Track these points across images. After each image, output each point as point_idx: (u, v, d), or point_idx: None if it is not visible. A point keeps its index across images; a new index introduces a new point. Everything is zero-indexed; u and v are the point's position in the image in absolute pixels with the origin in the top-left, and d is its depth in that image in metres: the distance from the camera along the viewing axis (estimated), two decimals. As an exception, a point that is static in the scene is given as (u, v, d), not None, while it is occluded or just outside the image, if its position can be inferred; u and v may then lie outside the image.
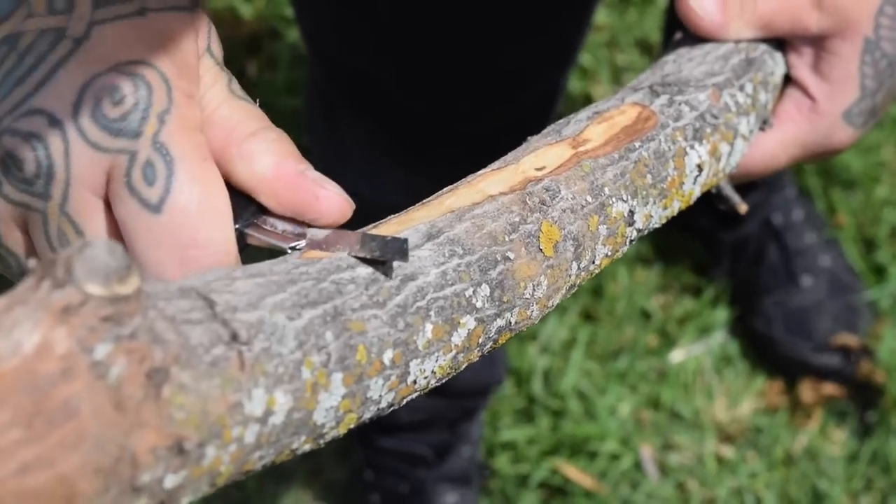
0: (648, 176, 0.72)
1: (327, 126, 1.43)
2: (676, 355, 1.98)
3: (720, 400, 1.94)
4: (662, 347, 1.99)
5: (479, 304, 0.61)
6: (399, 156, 1.35)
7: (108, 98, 0.57)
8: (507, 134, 1.34)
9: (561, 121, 0.74)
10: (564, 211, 0.67)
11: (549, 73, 1.32)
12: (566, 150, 0.71)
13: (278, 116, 2.16)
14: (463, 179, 0.67)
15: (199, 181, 0.58)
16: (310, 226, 0.61)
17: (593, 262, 0.69)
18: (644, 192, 0.72)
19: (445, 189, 0.66)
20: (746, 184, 1.93)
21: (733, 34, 0.82)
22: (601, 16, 2.22)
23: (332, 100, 1.40)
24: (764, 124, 0.84)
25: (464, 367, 0.63)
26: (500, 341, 0.64)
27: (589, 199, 0.68)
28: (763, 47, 0.84)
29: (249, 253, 0.61)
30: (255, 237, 0.62)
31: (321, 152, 1.46)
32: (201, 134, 0.60)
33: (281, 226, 0.62)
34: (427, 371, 0.59)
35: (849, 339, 1.92)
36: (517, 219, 0.65)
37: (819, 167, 2.08)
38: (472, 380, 1.76)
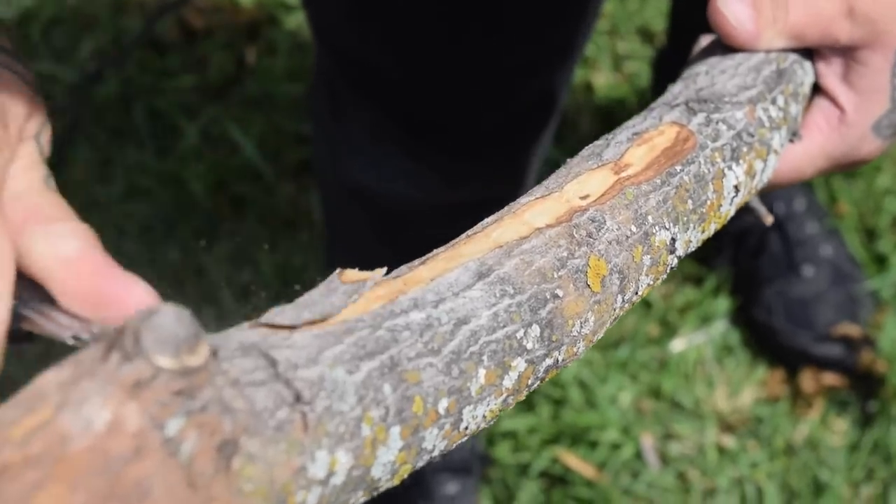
0: (690, 201, 0.71)
1: (333, 114, 1.43)
2: (677, 345, 1.98)
3: (721, 389, 1.94)
4: (663, 337, 1.98)
5: (529, 346, 0.60)
6: (404, 144, 1.35)
7: None
8: (511, 125, 1.35)
9: (599, 141, 0.72)
10: (611, 243, 0.65)
11: (553, 68, 1.31)
12: (608, 175, 0.69)
13: (277, 103, 2.16)
14: (507, 207, 0.66)
15: None
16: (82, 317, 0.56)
17: (636, 294, 0.68)
18: (685, 219, 0.70)
19: (490, 219, 0.65)
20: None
21: (765, 44, 0.82)
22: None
23: (338, 88, 1.40)
24: (794, 136, 0.83)
25: (511, 408, 0.62)
26: (545, 379, 0.63)
27: (633, 228, 0.67)
28: (793, 57, 0.83)
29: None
30: (35, 322, 0.56)
31: (326, 140, 1.46)
32: None
33: (62, 318, 0.56)
34: (479, 416, 0.58)
35: (850, 329, 1.92)
36: (565, 253, 0.63)
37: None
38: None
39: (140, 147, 2.12)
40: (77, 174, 2.10)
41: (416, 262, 0.61)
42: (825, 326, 1.93)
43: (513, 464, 1.89)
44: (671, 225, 0.69)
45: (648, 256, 0.67)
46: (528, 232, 0.64)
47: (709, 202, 0.72)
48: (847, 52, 0.82)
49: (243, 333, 0.51)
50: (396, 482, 0.55)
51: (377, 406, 0.53)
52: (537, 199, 0.67)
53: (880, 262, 2.02)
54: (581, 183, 0.68)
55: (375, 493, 0.55)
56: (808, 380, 1.93)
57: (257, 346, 0.50)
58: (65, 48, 2.22)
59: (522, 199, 0.67)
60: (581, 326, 0.63)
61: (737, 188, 0.74)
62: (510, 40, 1.22)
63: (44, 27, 2.24)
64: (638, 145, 0.72)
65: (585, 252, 0.64)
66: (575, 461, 1.87)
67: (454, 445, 0.59)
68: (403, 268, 0.60)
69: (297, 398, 0.49)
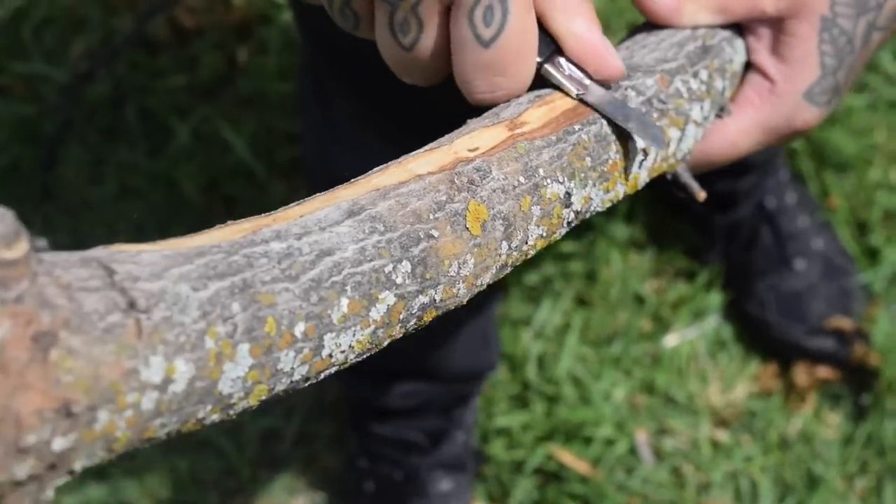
0: (588, 158, 0.73)
1: (318, 104, 1.43)
2: (670, 340, 1.98)
3: (714, 384, 1.94)
4: (656, 332, 1.99)
5: (398, 280, 0.62)
6: (389, 133, 1.35)
7: None
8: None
9: (502, 104, 0.75)
10: (495, 191, 0.67)
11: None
12: (502, 131, 0.72)
13: (269, 102, 2.16)
14: (395, 160, 0.69)
15: (522, 31, 0.71)
16: (591, 78, 0.75)
17: (526, 243, 0.70)
18: (583, 175, 0.72)
19: (376, 169, 0.67)
20: (740, 168, 1.93)
21: (689, 19, 0.83)
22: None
23: (323, 77, 1.40)
24: (721, 111, 0.84)
25: (386, 342, 0.63)
26: (425, 318, 0.65)
27: (522, 179, 0.69)
28: (722, 34, 0.84)
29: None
30: (549, 72, 0.74)
31: (313, 131, 1.46)
32: None
33: (570, 70, 0.75)
34: (343, 345, 0.60)
35: (843, 323, 1.92)
36: (443, 197, 0.65)
37: (811, 150, 2.08)
38: (465, 365, 1.75)
39: (132, 147, 2.12)
40: (69, 174, 2.10)
41: (294, 203, 0.64)
42: (818, 320, 1.93)
43: (507, 461, 1.90)
44: (566, 179, 0.71)
45: (538, 207, 0.70)
46: (409, 178, 0.66)
47: (611, 161, 0.74)
48: (775, 24, 0.83)
49: (93, 250, 0.54)
50: (253, 402, 0.57)
51: (224, 322, 0.54)
52: (426, 151, 0.69)
53: (872, 255, 2.02)
54: (473, 138, 0.71)
55: (232, 413, 0.57)
56: (801, 373, 1.93)
57: (98, 258, 0.52)
58: (56, 48, 2.22)
59: (413, 153, 0.69)
60: (459, 268, 0.65)
61: (645, 151, 0.77)
62: None
63: (35, 27, 2.24)
64: (538, 106, 0.74)
65: (465, 197, 0.66)
66: (569, 457, 1.88)
67: (321, 375, 0.60)
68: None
69: (132, 305, 0.51)
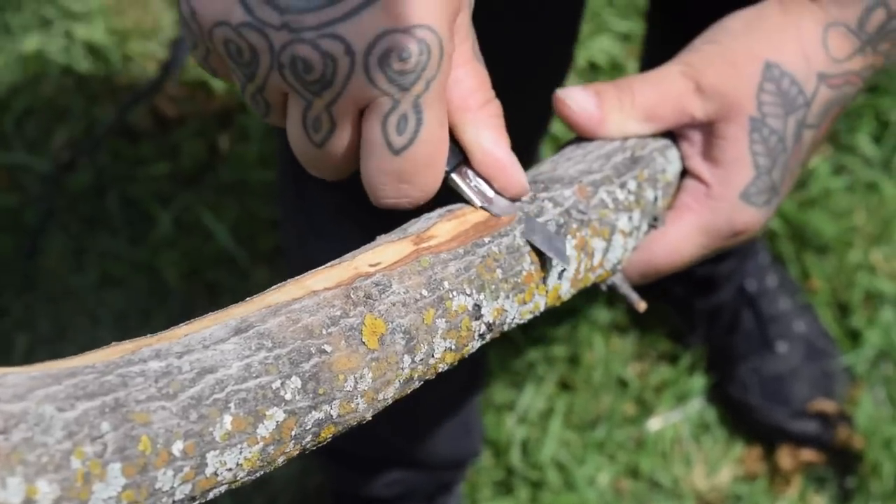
0: (498, 270, 0.72)
1: (298, 199, 1.44)
2: (654, 423, 1.97)
3: (699, 468, 1.94)
4: (640, 415, 1.98)
5: (288, 397, 0.61)
6: (367, 224, 1.35)
7: (398, 54, 0.67)
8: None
9: (412, 220, 0.75)
10: (395, 304, 0.67)
11: (520, 139, 1.31)
12: (407, 246, 0.72)
13: (251, 189, 2.16)
14: (293, 278, 0.68)
15: (434, 142, 0.71)
16: (496, 191, 0.76)
17: (432, 356, 0.69)
18: (493, 286, 0.72)
19: (273, 287, 0.67)
20: (719, 253, 1.94)
21: (615, 129, 0.83)
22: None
23: (301, 173, 1.40)
24: (655, 221, 0.83)
25: (281, 460, 0.62)
26: (323, 434, 0.64)
27: (425, 292, 0.69)
28: (653, 145, 0.84)
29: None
30: (456, 182, 0.75)
31: (292, 219, 1.46)
32: (445, 99, 0.71)
33: (476, 181, 0.76)
34: (229, 463, 0.59)
35: (826, 405, 1.92)
36: (338, 312, 0.65)
37: (791, 232, 2.09)
38: (448, 452, 1.75)
39: (114, 235, 2.12)
40: (51, 263, 2.10)
41: (183, 323, 0.63)
42: (801, 402, 1.93)
43: (492, 547, 1.88)
44: (473, 291, 0.71)
45: (444, 320, 0.69)
46: (304, 294, 0.65)
47: (525, 272, 0.74)
48: (705, 129, 0.84)
49: None
50: None
51: (92, 442, 0.53)
52: (326, 267, 0.69)
53: (854, 337, 2.02)
54: (376, 253, 0.71)
55: None
56: (785, 456, 1.92)
57: None
58: (38, 138, 2.23)
59: (313, 270, 0.69)
60: (356, 382, 0.64)
61: None
62: None
63: (17, 118, 2.24)
64: (447, 220, 0.74)
65: (361, 311, 0.65)
66: (554, 543, 1.87)
67: (208, 492, 0.59)
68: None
69: None
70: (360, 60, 0.67)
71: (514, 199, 0.76)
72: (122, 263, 2.09)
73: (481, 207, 0.75)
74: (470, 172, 0.75)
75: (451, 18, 0.69)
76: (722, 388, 1.99)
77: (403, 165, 0.71)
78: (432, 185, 0.73)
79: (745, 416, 1.96)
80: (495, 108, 0.76)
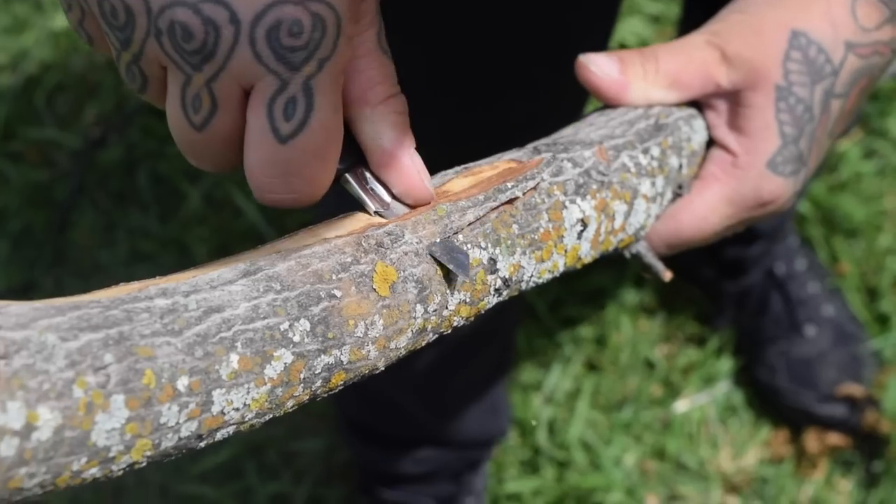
0: (515, 226, 0.71)
1: None
2: (681, 405, 1.97)
3: (725, 450, 1.94)
4: (667, 397, 1.98)
5: (296, 339, 0.60)
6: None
7: (288, 27, 0.62)
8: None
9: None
10: (407, 254, 0.66)
11: (556, 122, 1.31)
12: None
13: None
14: (307, 227, 0.67)
15: (325, 131, 0.65)
16: (394, 197, 0.69)
17: (446, 307, 0.68)
18: (509, 242, 0.70)
19: (285, 235, 0.66)
20: (749, 235, 1.92)
21: (638, 96, 0.83)
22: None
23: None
24: (680, 189, 0.83)
25: (290, 404, 0.61)
26: (334, 380, 0.63)
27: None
28: (678, 113, 0.83)
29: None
30: (349, 182, 0.69)
31: (325, 199, 1.46)
32: (341, 84, 0.66)
33: (373, 184, 0.69)
34: (237, 402, 0.58)
35: (853, 389, 1.92)
36: (349, 259, 0.64)
37: (821, 216, 2.08)
38: (477, 431, 1.75)
39: (143, 211, 2.13)
40: (81, 238, 2.11)
41: (193, 267, 0.62)
42: (829, 386, 1.93)
43: (517, 526, 1.89)
44: (489, 245, 0.69)
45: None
46: (314, 241, 0.65)
47: (542, 230, 0.72)
48: (731, 97, 0.83)
49: None
50: (136, 457, 0.55)
51: (95, 372, 0.53)
52: (339, 217, 0.68)
53: (882, 321, 2.02)
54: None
55: (115, 469, 0.55)
56: (812, 440, 1.92)
57: None
58: (69, 115, 2.23)
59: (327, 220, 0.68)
60: (367, 329, 0.63)
61: (583, 222, 0.74)
62: (515, 99, 1.22)
63: (48, 94, 2.25)
64: (464, 176, 0.73)
65: (373, 259, 0.65)
66: (579, 523, 1.87)
67: (217, 433, 0.59)
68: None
69: None
70: (246, 31, 0.61)
71: (412, 206, 0.70)
72: (151, 239, 2.10)
73: (375, 213, 0.69)
74: (367, 174, 0.70)
75: None
76: (749, 370, 1.99)
77: (290, 155, 0.65)
78: (323, 180, 0.67)
79: (772, 400, 1.96)
80: (399, 105, 0.70)
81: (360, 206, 0.69)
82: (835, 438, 1.92)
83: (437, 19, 1.14)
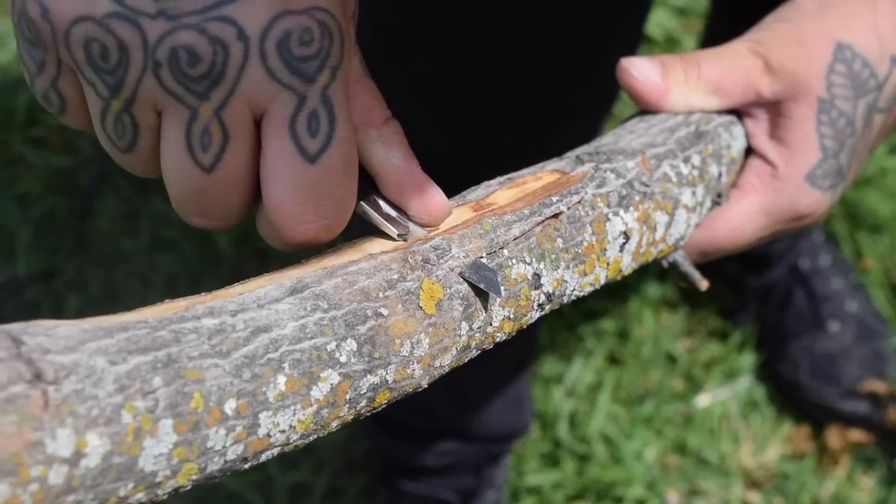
0: (559, 240, 0.70)
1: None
2: (702, 400, 1.97)
3: (747, 445, 1.93)
4: (688, 392, 1.98)
5: (343, 359, 0.60)
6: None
7: (298, 37, 0.59)
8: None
9: (472, 188, 0.72)
10: (453, 270, 0.65)
11: (587, 117, 1.31)
12: (466, 212, 0.69)
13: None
14: (350, 241, 0.66)
15: (349, 143, 0.62)
16: (409, 218, 0.67)
17: (490, 324, 0.67)
18: (553, 256, 0.69)
19: (329, 250, 0.65)
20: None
21: (679, 102, 0.82)
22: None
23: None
24: (719, 198, 0.82)
25: (335, 424, 0.61)
26: (378, 400, 0.62)
27: (485, 259, 0.66)
28: (718, 120, 0.83)
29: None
30: (364, 209, 0.66)
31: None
32: (348, 96, 0.63)
33: (388, 209, 0.67)
34: (283, 425, 0.58)
35: (876, 386, 1.91)
36: (395, 276, 0.63)
37: (845, 211, 2.07)
38: (499, 425, 1.75)
39: (166, 199, 2.12)
40: (103, 225, 2.11)
41: (238, 283, 0.61)
42: (851, 382, 1.92)
43: (537, 519, 1.89)
44: (533, 260, 0.68)
45: (503, 288, 0.67)
46: (360, 257, 0.64)
47: (585, 244, 0.71)
48: (772, 107, 0.82)
49: (14, 324, 0.52)
50: (182, 481, 0.55)
51: (143, 397, 0.52)
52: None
53: (906, 318, 2.01)
54: None
55: (160, 493, 0.54)
56: (834, 436, 1.92)
57: (9, 330, 0.51)
58: (92, 101, 2.24)
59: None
60: (413, 347, 0.62)
61: (626, 234, 0.74)
62: (545, 88, 1.21)
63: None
64: (508, 188, 0.72)
65: (419, 276, 0.64)
66: (599, 517, 1.87)
67: (261, 454, 0.58)
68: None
69: (38, 376, 0.50)
70: (256, 46, 0.59)
71: (428, 226, 0.67)
72: (173, 227, 2.10)
73: (399, 237, 0.66)
74: (380, 201, 0.67)
75: (342, 7, 0.63)
76: (772, 366, 1.98)
77: (321, 175, 0.62)
78: (350, 202, 0.64)
79: (794, 395, 1.95)
80: (398, 126, 0.68)
81: (380, 232, 0.67)
82: (857, 435, 1.91)
83: (470, 15, 1.14)
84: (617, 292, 2.03)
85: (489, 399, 1.68)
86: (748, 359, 1.99)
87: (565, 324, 2.00)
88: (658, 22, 2.24)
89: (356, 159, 0.64)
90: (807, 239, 1.96)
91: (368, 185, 0.67)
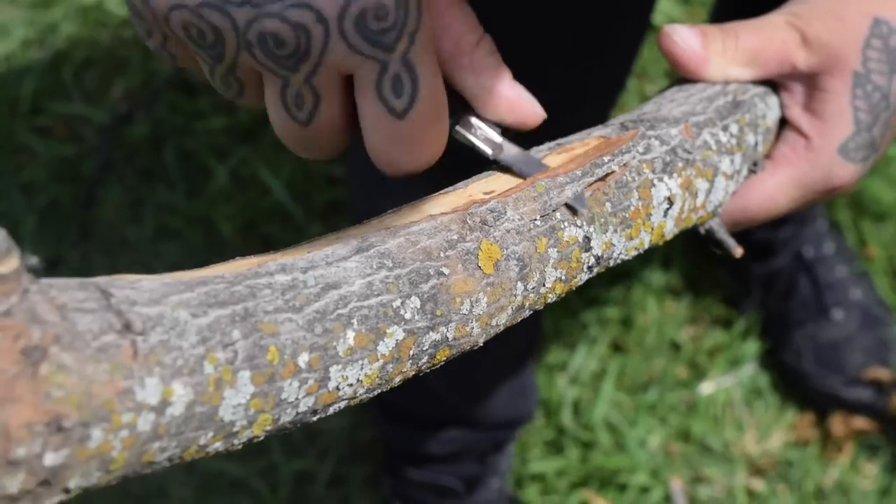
0: (608, 204, 0.72)
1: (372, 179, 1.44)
2: (706, 387, 1.97)
3: (750, 433, 1.93)
4: (692, 379, 1.98)
5: (407, 316, 0.62)
6: (439, 182, 1.35)
7: (373, 12, 0.64)
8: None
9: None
10: (509, 231, 0.67)
11: (598, 105, 1.31)
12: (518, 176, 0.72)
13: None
14: (410, 203, 0.69)
15: (434, 96, 0.68)
16: (505, 132, 0.74)
17: (543, 285, 0.69)
18: (603, 220, 0.72)
19: (389, 211, 0.68)
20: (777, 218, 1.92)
21: (717, 71, 0.83)
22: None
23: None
24: (755, 166, 0.84)
25: (398, 379, 0.63)
26: (438, 356, 0.64)
27: (538, 221, 0.69)
28: (754, 90, 0.84)
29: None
30: (461, 134, 0.73)
31: (360, 174, 1.47)
32: (434, 51, 0.68)
33: (484, 128, 0.73)
34: (351, 378, 0.60)
35: (880, 373, 1.91)
36: (455, 236, 0.65)
37: (850, 199, 2.07)
38: (504, 413, 1.75)
39: (170, 188, 2.13)
40: (108, 214, 2.11)
41: (305, 242, 0.64)
42: (855, 370, 1.92)
43: (541, 506, 1.89)
44: (584, 223, 0.71)
45: (555, 249, 0.69)
46: (420, 218, 0.66)
47: (633, 208, 0.73)
48: (807, 80, 0.83)
49: (100, 277, 0.54)
50: (257, 431, 0.57)
51: (223, 349, 0.54)
52: (441, 193, 0.70)
53: (910, 305, 2.01)
54: (489, 182, 0.71)
55: (236, 442, 0.56)
56: (837, 423, 1.92)
57: (97, 283, 0.53)
58: (96, 90, 2.24)
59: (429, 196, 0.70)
60: (472, 306, 0.65)
61: (670, 200, 0.76)
62: (553, 75, 1.21)
63: (76, 69, 2.25)
64: (557, 153, 0.74)
65: (478, 237, 0.66)
66: (603, 504, 1.87)
67: (330, 408, 0.60)
68: None
69: (127, 327, 0.51)
70: (335, 26, 0.64)
71: (528, 134, 0.74)
72: (178, 216, 2.10)
73: (492, 157, 0.73)
74: (473, 121, 0.74)
75: None
76: (776, 353, 1.98)
77: (412, 129, 0.68)
78: (441, 140, 0.70)
79: (798, 383, 1.96)
80: (490, 45, 0.73)
81: (473, 154, 0.73)
82: (861, 422, 1.92)
83: (483, 1, 1.14)
84: (621, 280, 2.03)
85: (494, 387, 1.68)
86: (752, 346, 1.99)
87: (569, 311, 2.01)
88: (662, 10, 2.24)
89: (443, 105, 0.69)
90: (811, 227, 1.96)
91: (463, 106, 0.73)
